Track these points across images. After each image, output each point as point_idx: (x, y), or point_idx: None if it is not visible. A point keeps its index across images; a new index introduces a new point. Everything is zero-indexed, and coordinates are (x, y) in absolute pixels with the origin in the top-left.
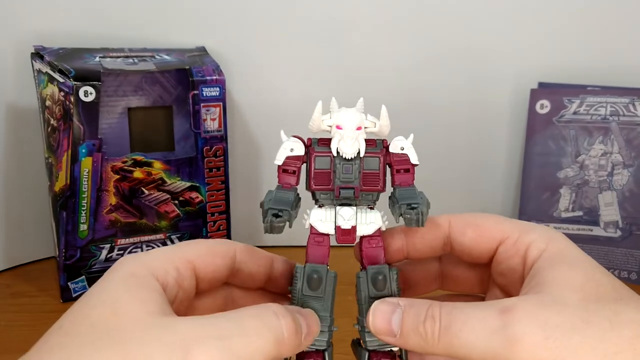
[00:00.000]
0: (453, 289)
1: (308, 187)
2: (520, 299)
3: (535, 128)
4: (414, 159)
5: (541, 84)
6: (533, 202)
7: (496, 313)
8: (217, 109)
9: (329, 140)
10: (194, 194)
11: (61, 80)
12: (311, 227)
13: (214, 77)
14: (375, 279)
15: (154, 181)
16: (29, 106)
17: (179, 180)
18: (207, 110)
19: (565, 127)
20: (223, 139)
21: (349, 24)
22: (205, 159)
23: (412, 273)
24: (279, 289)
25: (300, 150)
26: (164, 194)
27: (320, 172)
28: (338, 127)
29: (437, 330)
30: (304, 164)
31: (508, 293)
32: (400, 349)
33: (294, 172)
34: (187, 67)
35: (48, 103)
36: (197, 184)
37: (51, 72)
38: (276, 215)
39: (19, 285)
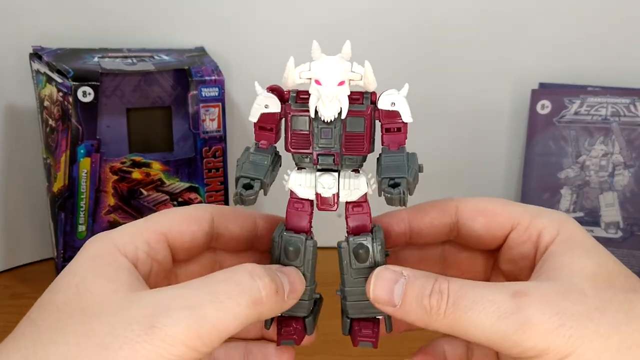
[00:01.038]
0: (454, 274)
1: (286, 149)
2: (534, 284)
3: (536, 128)
4: (406, 117)
5: (542, 85)
6: (533, 202)
7: (509, 295)
8: (216, 109)
9: (309, 95)
10: (193, 195)
11: (59, 80)
12: (291, 191)
13: (213, 78)
14: (357, 253)
15: (152, 182)
16: (27, 107)
17: (177, 181)
18: (206, 111)
19: (566, 128)
20: (222, 139)
21: (350, 24)
22: (204, 160)
23: (412, 257)
24: (266, 247)
25: (275, 106)
26: (163, 194)
27: (298, 133)
28: (317, 82)
29: (443, 305)
30: (283, 119)
31: (514, 280)
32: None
33: (271, 129)
34: (186, 67)
35: (46, 103)
36: (196, 185)
37: (49, 73)
38: (248, 186)
39: (17, 286)
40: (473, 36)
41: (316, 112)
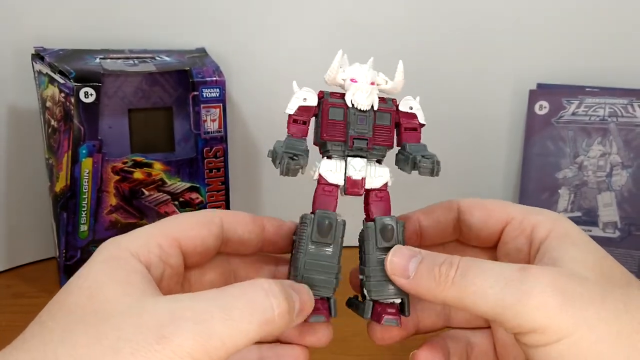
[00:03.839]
0: None
1: (319, 138)
2: (540, 266)
3: (534, 129)
4: (422, 119)
5: (540, 85)
6: (532, 202)
7: (516, 268)
8: (217, 110)
9: (341, 94)
10: (194, 195)
11: (61, 81)
12: (320, 177)
13: (214, 78)
14: (384, 229)
15: (154, 182)
16: (30, 107)
17: (179, 181)
18: (207, 112)
19: (564, 128)
20: (223, 140)
21: (349, 25)
22: (205, 160)
23: None
24: (276, 250)
25: (313, 100)
26: (164, 194)
27: (333, 122)
28: (353, 80)
29: (452, 274)
30: (314, 117)
31: None
32: (401, 302)
33: (304, 122)
34: (187, 68)
35: (48, 104)
36: (197, 185)
37: (51, 74)
38: (292, 158)
39: (19, 285)
40: (471, 37)
41: (352, 103)
